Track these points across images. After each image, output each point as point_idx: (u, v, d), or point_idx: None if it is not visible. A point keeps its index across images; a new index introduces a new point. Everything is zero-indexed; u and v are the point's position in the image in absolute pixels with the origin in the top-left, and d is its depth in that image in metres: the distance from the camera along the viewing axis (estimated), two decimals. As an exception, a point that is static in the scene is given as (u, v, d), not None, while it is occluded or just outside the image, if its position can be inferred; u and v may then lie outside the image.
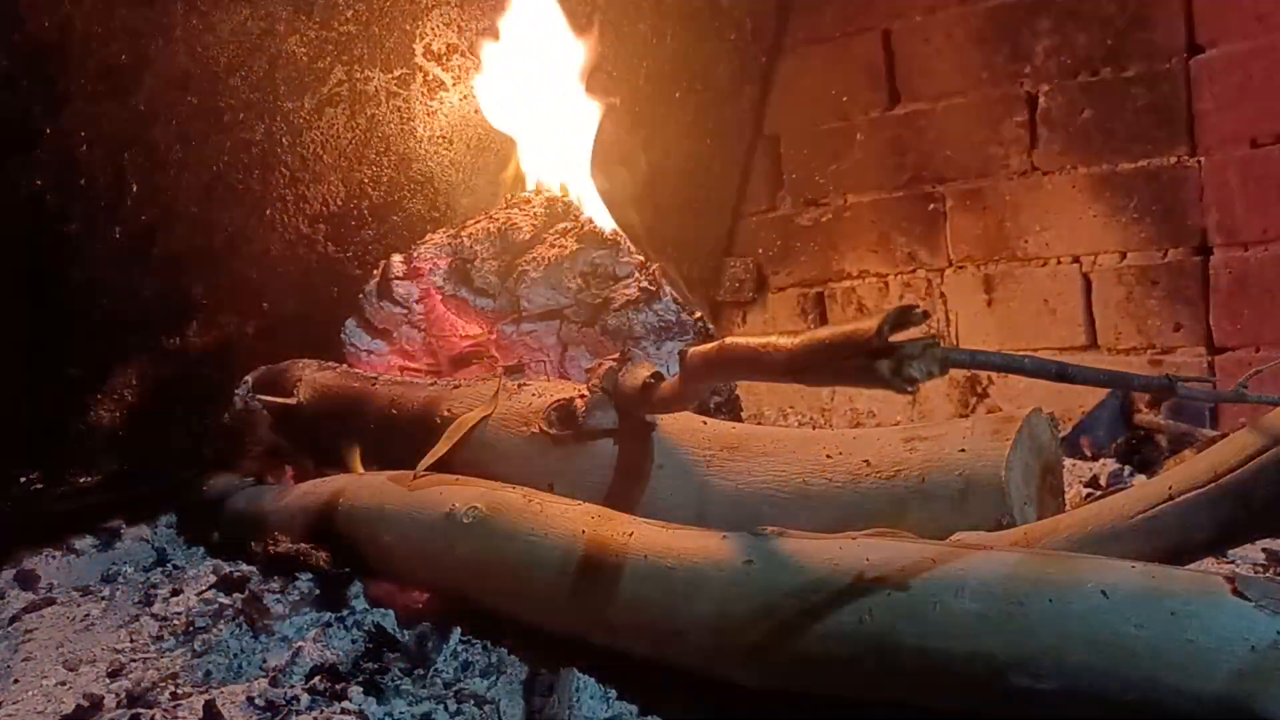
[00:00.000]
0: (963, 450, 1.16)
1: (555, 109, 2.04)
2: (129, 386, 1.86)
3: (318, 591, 1.38)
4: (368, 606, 1.36)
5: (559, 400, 1.39)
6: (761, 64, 2.66)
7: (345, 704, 1.15)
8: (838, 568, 0.98)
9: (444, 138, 2.14)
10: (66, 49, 1.66)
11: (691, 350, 1.16)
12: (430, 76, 2.09)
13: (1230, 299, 2.05)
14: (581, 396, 1.37)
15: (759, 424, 2.41)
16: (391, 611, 1.34)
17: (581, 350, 1.74)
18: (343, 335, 1.88)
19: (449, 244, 1.84)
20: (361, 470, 1.56)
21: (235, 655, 1.32)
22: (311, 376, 1.74)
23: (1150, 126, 2.11)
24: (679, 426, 1.34)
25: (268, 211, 1.94)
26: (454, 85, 2.12)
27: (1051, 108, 2.24)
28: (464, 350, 1.86)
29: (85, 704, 1.24)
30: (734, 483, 1.26)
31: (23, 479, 1.78)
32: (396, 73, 2.04)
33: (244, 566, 1.52)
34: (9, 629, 1.53)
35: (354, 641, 1.28)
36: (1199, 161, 2.06)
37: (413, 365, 1.86)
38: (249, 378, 1.82)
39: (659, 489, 1.30)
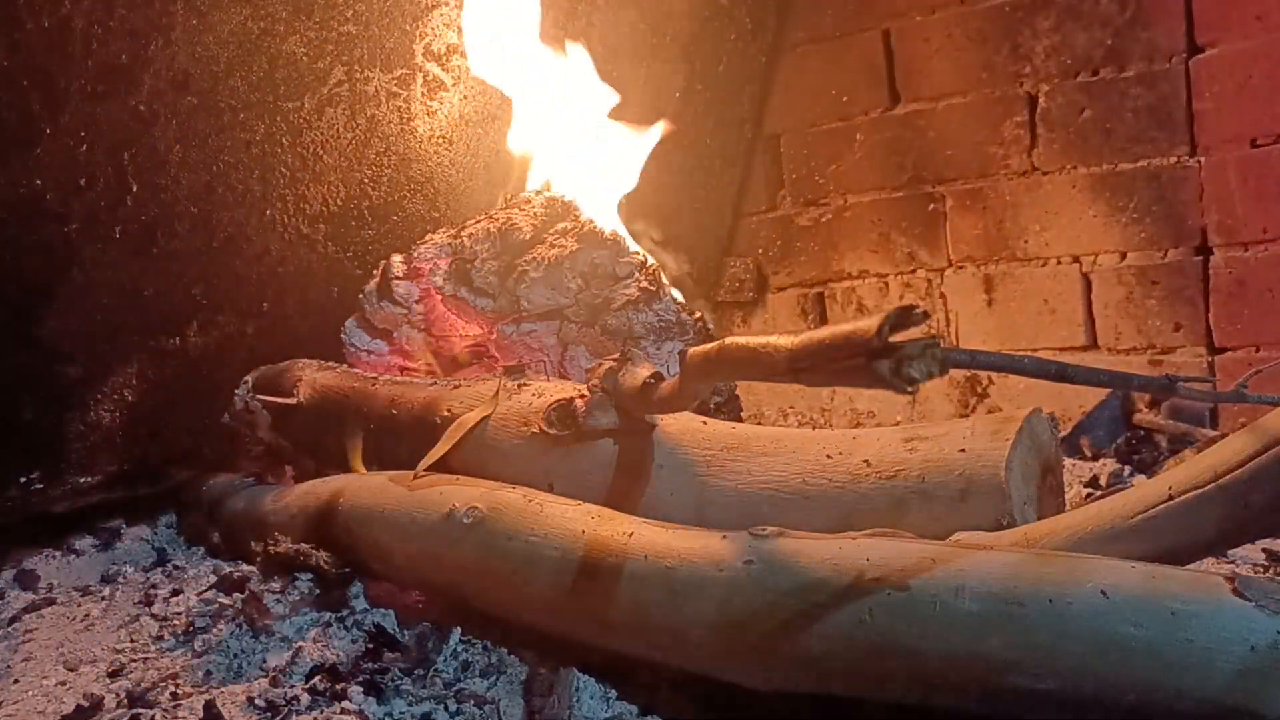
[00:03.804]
0: (963, 450, 1.16)
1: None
2: (129, 386, 1.86)
3: (318, 591, 1.38)
4: (368, 606, 1.36)
5: (559, 400, 1.39)
6: (761, 64, 2.66)
7: (345, 704, 1.15)
8: (838, 568, 0.98)
9: (444, 138, 2.14)
10: (66, 49, 1.66)
11: (691, 350, 1.16)
12: (430, 76, 2.09)
13: (1230, 299, 2.05)
14: (581, 396, 1.37)
15: (759, 424, 2.41)
16: (391, 611, 1.34)
17: (581, 350, 1.74)
18: (343, 335, 1.88)
19: (449, 244, 1.84)
20: (362, 470, 1.56)
21: (235, 655, 1.32)
22: (311, 376, 1.74)
23: (1150, 126, 2.11)
24: (679, 426, 1.34)
25: (268, 211, 1.94)
26: (454, 85, 2.12)
27: (1051, 108, 2.24)
28: (464, 350, 1.86)
29: (85, 704, 1.24)
30: (734, 483, 1.26)
31: (23, 479, 1.78)
32: (396, 73, 2.04)
33: (244, 566, 1.52)
34: (9, 629, 1.53)
35: (354, 641, 1.28)
36: (1199, 161, 2.06)
37: (413, 365, 1.86)
38: (249, 378, 1.82)
39: (659, 489, 1.30)
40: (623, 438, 1.33)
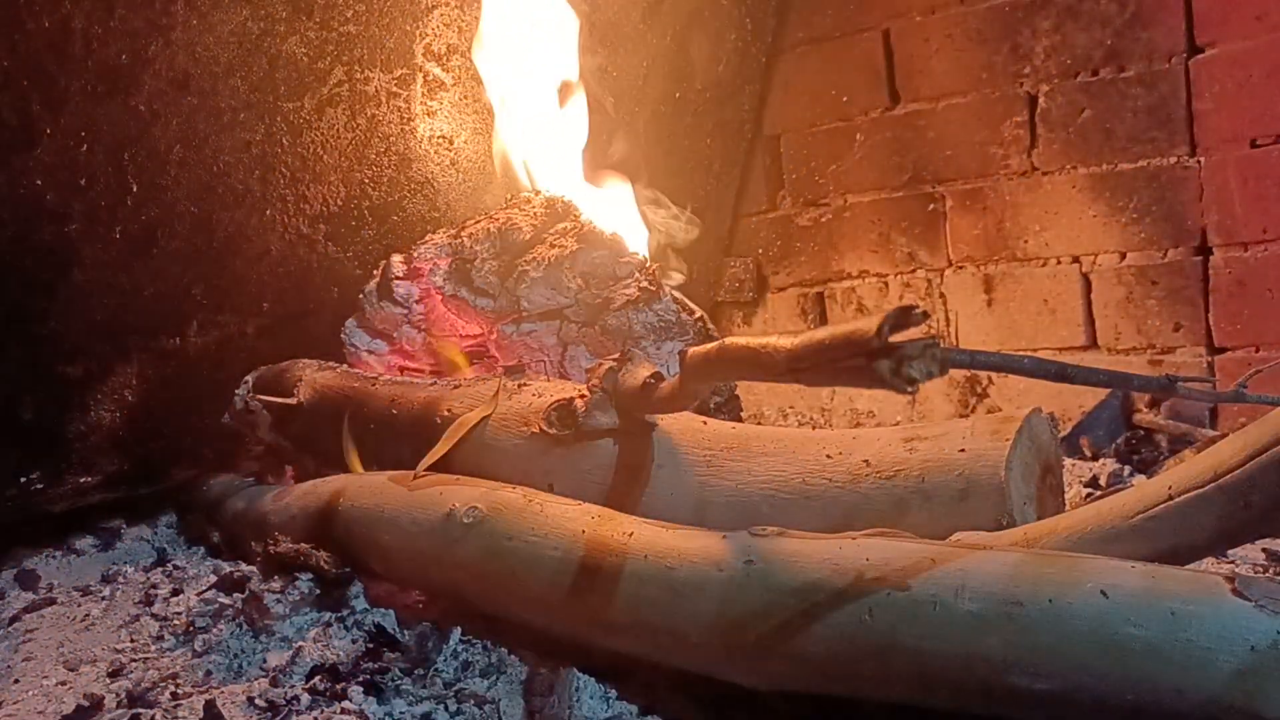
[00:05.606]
0: (963, 450, 1.16)
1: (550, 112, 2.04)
2: (129, 386, 1.86)
3: (318, 591, 1.38)
4: (368, 606, 1.36)
5: (559, 400, 1.39)
6: (761, 64, 2.66)
7: (345, 704, 1.15)
8: (838, 568, 0.98)
9: (444, 138, 2.14)
10: (66, 49, 1.66)
11: (691, 350, 1.16)
12: (430, 76, 2.08)
13: (1230, 299, 2.05)
14: (581, 396, 1.37)
15: (759, 424, 2.41)
16: (392, 611, 1.34)
17: (581, 350, 1.74)
18: (343, 335, 1.88)
19: (449, 244, 1.84)
20: (361, 470, 1.56)
21: (235, 655, 1.32)
22: (311, 376, 1.74)
23: (1150, 126, 2.11)
24: (679, 426, 1.34)
25: (268, 211, 1.94)
26: (454, 85, 2.12)
27: (1051, 108, 2.24)
28: (464, 350, 1.86)
29: (85, 704, 1.24)
30: (734, 483, 1.26)
31: (23, 479, 1.78)
32: (396, 73, 2.04)
33: (244, 566, 1.52)
34: (9, 629, 1.53)
35: (354, 641, 1.28)
36: (1199, 161, 2.06)
37: (413, 365, 1.86)
38: (249, 378, 1.82)
39: (659, 489, 1.30)
40: (623, 438, 1.33)
